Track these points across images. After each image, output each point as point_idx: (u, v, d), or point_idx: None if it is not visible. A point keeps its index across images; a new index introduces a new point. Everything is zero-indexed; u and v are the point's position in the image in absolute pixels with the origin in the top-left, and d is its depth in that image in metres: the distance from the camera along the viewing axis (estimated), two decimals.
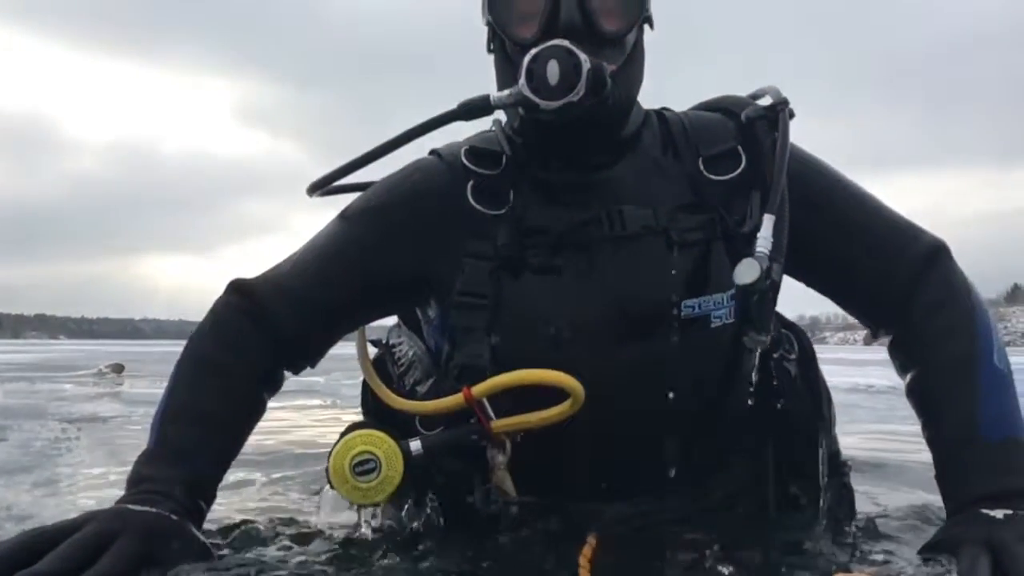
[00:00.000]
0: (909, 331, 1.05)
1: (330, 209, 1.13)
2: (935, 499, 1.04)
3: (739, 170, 1.03)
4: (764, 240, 0.95)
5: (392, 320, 1.26)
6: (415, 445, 0.95)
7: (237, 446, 1.02)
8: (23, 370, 8.76)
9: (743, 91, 1.13)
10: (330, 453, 0.94)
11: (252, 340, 1.05)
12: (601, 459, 1.02)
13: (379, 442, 0.93)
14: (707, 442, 1.04)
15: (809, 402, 1.10)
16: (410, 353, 1.16)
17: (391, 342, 1.21)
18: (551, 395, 0.94)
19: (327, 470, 0.93)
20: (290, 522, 1.17)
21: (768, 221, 0.96)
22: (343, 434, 0.94)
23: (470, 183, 1.03)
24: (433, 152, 1.11)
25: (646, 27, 1.04)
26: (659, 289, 0.98)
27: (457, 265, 1.00)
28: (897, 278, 1.04)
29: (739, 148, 1.04)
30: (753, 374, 1.06)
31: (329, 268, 1.06)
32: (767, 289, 0.93)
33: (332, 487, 0.93)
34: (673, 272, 0.98)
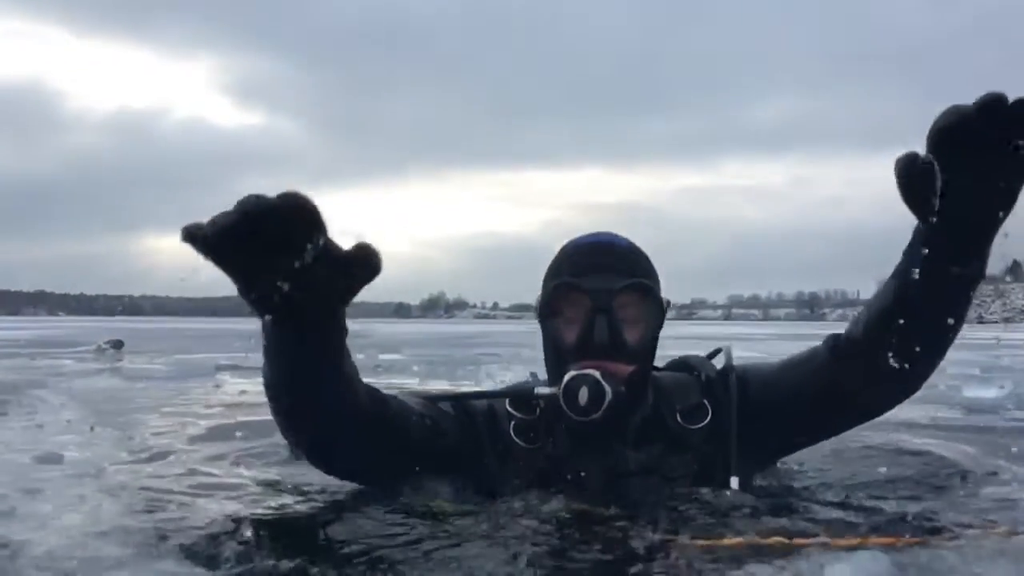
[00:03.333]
0: (848, 344, 1.25)
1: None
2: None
3: (707, 420, 1.34)
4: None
5: None
6: None
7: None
8: (23, 346, 8.79)
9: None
10: None
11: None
12: None
13: None
14: None
15: None
16: None
17: None
18: None
19: None
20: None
21: (734, 481, 1.26)
22: None
23: (512, 423, 1.34)
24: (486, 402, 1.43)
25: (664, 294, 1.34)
26: (651, 512, 1.23)
27: (503, 478, 1.30)
28: (827, 370, 1.28)
29: (705, 403, 1.36)
30: None
31: (426, 404, 1.31)
32: None
33: None
34: (661, 498, 1.26)
